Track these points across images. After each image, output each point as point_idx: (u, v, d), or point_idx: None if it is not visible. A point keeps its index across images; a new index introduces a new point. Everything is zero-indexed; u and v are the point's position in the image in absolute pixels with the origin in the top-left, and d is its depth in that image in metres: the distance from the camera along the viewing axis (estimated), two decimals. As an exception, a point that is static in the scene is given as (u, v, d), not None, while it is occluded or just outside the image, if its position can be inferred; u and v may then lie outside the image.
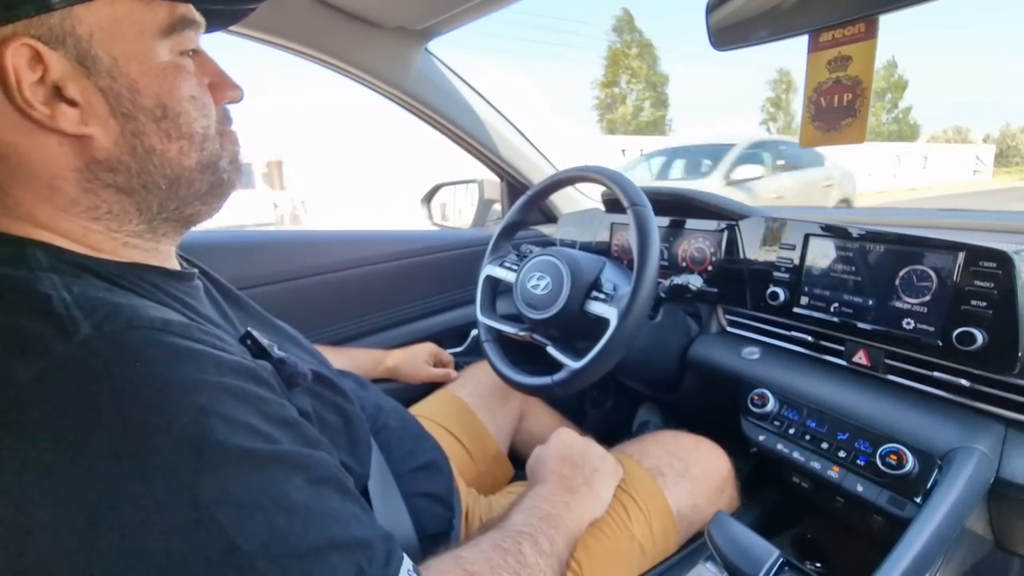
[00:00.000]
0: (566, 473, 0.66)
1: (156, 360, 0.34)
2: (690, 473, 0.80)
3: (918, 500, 0.64)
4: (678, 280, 0.94)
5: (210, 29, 0.48)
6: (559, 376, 0.81)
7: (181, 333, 0.37)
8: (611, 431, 1.09)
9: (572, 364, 0.80)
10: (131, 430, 0.32)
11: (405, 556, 0.40)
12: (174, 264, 0.50)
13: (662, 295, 0.96)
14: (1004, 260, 0.64)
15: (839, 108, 0.62)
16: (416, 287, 1.27)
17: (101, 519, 0.31)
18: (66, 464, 0.31)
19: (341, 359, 0.92)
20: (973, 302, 0.66)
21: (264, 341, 0.47)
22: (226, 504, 0.32)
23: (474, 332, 1.31)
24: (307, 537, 0.34)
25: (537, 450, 0.72)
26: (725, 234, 1.00)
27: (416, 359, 1.07)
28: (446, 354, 1.15)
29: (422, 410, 0.93)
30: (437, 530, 0.68)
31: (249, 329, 0.48)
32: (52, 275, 0.37)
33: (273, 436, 0.37)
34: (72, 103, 0.38)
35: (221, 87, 0.47)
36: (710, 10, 0.75)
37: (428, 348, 1.11)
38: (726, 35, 0.74)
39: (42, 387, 0.32)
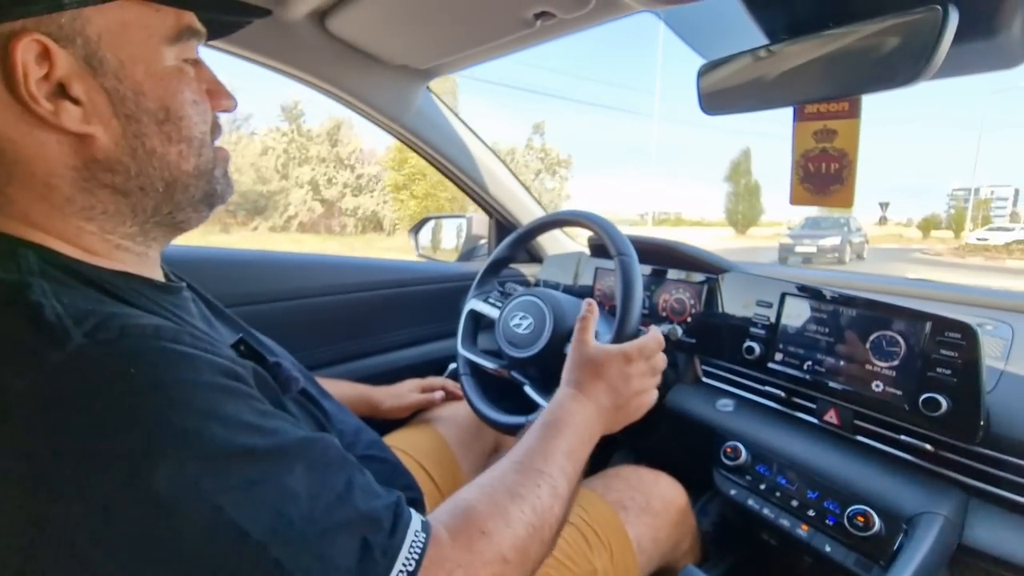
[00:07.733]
0: (606, 403, 0.71)
1: (152, 365, 0.34)
2: (651, 507, 0.80)
3: (883, 563, 0.65)
4: (659, 330, 0.96)
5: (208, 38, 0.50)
6: (535, 416, 0.81)
7: (174, 338, 0.37)
8: (585, 474, 1.07)
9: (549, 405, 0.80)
10: (132, 435, 0.32)
11: (414, 515, 0.41)
12: (160, 276, 0.50)
13: None
14: (968, 332, 0.67)
15: (827, 175, 0.66)
16: (398, 317, 1.27)
17: (107, 522, 0.31)
18: (67, 471, 0.31)
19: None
20: (939, 369, 0.69)
21: (258, 348, 0.47)
22: (233, 500, 0.33)
23: (452, 365, 1.31)
24: (313, 522, 0.35)
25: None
26: (706, 287, 1.03)
27: (400, 389, 1.02)
28: (435, 381, 1.09)
29: (397, 442, 0.91)
30: None
31: (243, 336, 0.48)
32: (42, 281, 0.37)
33: (270, 430, 0.37)
34: (75, 101, 0.39)
35: (217, 95, 0.49)
36: (701, 75, 0.79)
37: (412, 382, 1.06)
38: (715, 101, 0.78)
39: (37, 395, 0.32)
